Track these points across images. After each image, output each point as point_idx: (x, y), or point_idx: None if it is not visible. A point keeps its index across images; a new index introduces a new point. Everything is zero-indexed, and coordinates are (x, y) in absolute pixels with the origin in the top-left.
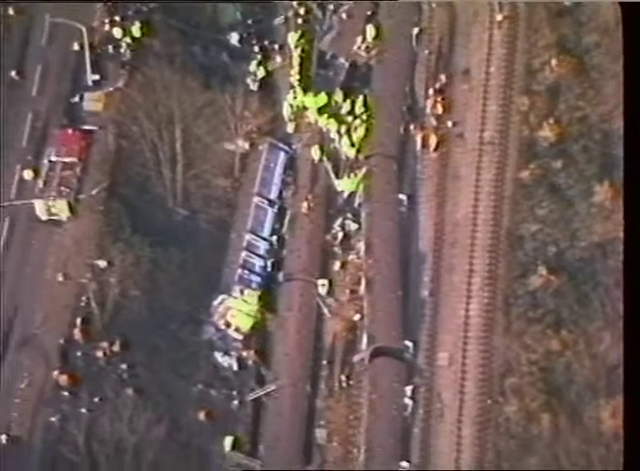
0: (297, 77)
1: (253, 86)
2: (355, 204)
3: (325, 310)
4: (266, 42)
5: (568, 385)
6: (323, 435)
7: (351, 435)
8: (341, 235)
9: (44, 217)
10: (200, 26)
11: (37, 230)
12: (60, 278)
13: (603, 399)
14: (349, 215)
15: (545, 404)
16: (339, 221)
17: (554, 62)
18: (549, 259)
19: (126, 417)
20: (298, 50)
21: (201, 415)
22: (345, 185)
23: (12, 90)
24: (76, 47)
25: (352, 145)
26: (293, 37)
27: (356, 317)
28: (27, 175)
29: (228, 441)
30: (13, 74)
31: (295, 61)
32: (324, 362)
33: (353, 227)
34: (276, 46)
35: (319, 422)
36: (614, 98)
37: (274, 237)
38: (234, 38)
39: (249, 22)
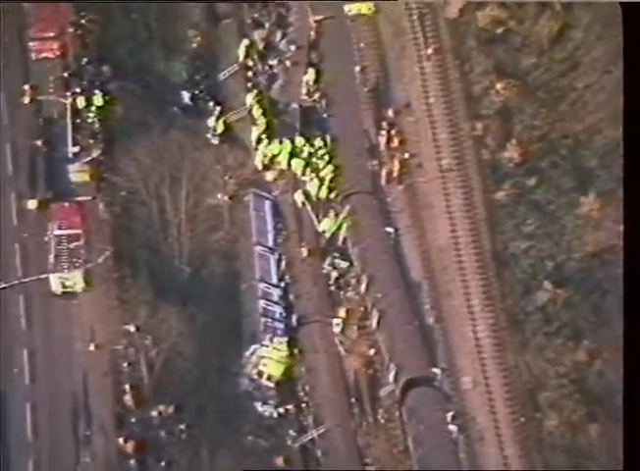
0: (264, 127)
1: (214, 141)
2: (339, 243)
3: (340, 349)
4: (218, 97)
5: (607, 392)
6: None
7: (401, 469)
8: (334, 274)
9: (59, 291)
10: (152, 86)
11: (54, 304)
12: (92, 348)
13: None
14: (337, 254)
15: (588, 414)
16: (327, 261)
17: (499, 86)
18: (550, 274)
19: None
20: (255, 102)
21: (280, 461)
22: (326, 226)
23: None
24: (40, 123)
25: (321, 186)
26: (248, 90)
27: (371, 352)
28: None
29: None
30: None
31: (257, 112)
32: (352, 400)
33: (344, 264)
34: (228, 101)
35: (365, 460)
36: (572, 113)
37: (282, 284)
38: (185, 97)
39: (197, 78)
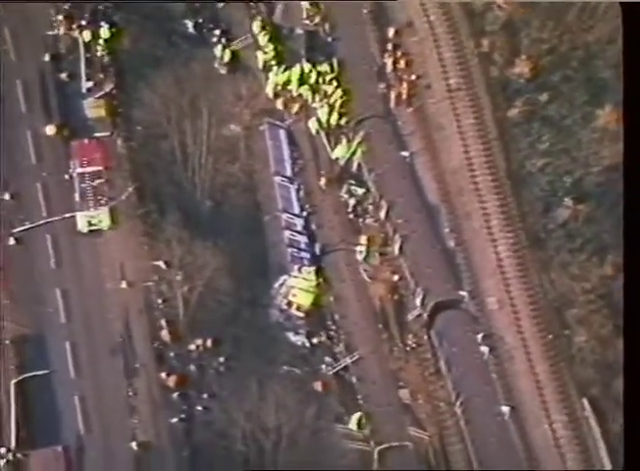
0: (272, 54)
1: (222, 70)
2: (354, 169)
3: (364, 276)
4: (221, 25)
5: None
6: (407, 395)
7: (433, 390)
8: (352, 201)
9: (85, 229)
10: (154, 16)
11: (81, 243)
12: (123, 285)
13: None
14: (352, 181)
15: (616, 328)
16: (344, 189)
17: (501, 0)
18: (569, 190)
19: (250, 408)
20: (260, 29)
21: (318, 386)
22: (339, 152)
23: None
24: (46, 58)
25: (331, 112)
26: (251, 17)
27: (395, 278)
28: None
29: (354, 419)
30: None
31: (264, 39)
32: (379, 326)
33: (361, 191)
34: (231, 29)
35: (399, 383)
36: (579, 24)
37: (304, 213)
38: (189, 26)
39: (197, 6)
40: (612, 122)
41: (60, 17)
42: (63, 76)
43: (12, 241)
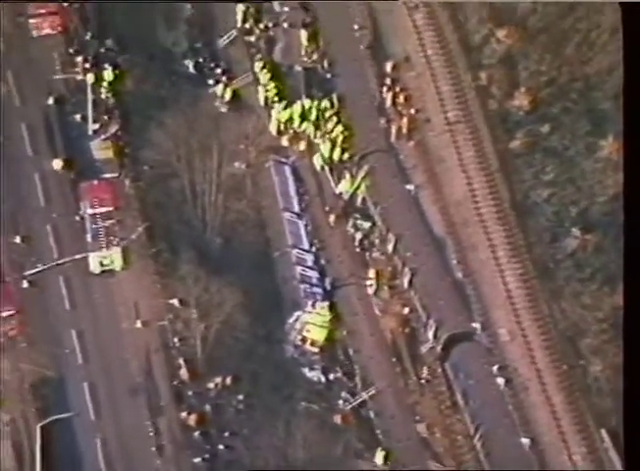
0: (274, 91)
1: (223, 109)
2: (359, 204)
3: (376, 309)
4: (221, 65)
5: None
6: (424, 429)
7: (450, 424)
8: (358, 235)
9: (97, 270)
10: (156, 57)
11: (94, 284)
12: (138, 325)
13: None
14: (357, 215)
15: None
16: (350, 223)
17: (500, 34)
18: (575, 220)
19: (266, 445)
20: (261, 67)
21: (338, 419)
22: (343, 187)
23: (6, 153)
24: (50, 102)
25: (333, 148)
26: (251, 55)
27: (405, 311)
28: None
29: (379, 456)
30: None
31: (265, 77)
32: (393, 360)
33: (366, 225)
34: (231, 67)
35: (415, 418)
36: (578, 56)
37: (313, 249)
38: (190, 66)
39: (198, 46)
40: (614, 152)
41: (61, 60)
42: (69, 118)
43: (25, 284)
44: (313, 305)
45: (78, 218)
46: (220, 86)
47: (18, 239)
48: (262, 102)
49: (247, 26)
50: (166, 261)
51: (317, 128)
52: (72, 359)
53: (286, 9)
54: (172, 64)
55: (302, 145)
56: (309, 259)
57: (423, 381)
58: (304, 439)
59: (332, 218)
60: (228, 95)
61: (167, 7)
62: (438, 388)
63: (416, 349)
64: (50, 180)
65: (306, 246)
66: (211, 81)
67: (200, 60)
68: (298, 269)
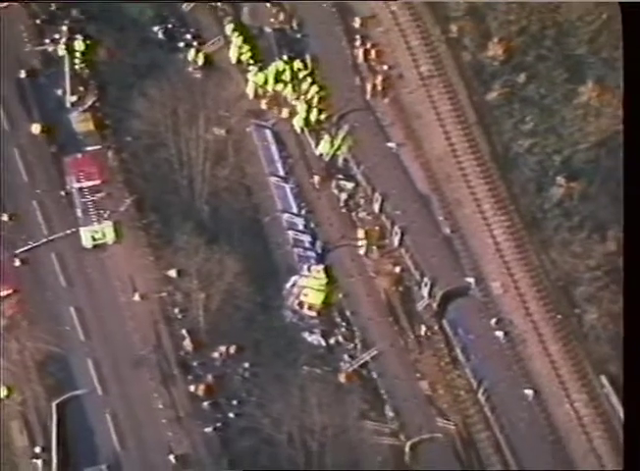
0: (249, 54)
1: (197, 74)
2: (340, 164)
3: (368, 270)
4: (190, 30)
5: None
6: (426, 386)
7: (451, 380)
8: (343, 196)
9: (90, 245)
10: (124, 27)
11: (87, 259)
12: (137, 298)
13: None
14: (340, 176)
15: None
16: (332, 184)
17: None
18: (559, 168)
19: (279, 410)
20: (234, 29)
21: (342, 378)
22: (323, 149)
23: None
24: (22, 75)
25: (310, 109)
26: (220, 19)
27: (397, 270)
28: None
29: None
30: None
31: (238, 40)
32: (390, 319)
33: (350, 185)
34: (202, 32)
35: (416, 375)
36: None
37: (302, 212)
38: (159, 33)
39: (164, 13)
40: (593, 97)
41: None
42: (44, 91)
43: (18, 263)
44: (309, 269)
45: (63, 193)
46: (192, 51)
47: (5, 217)
48: (235, 64)
49: None
50: (158, 232)
51: (294, 89)
52: (74, 336)
53: None
54: (141, 32)
55: (281, 108)
56: (300, 223)
57: (422, 338)
58: (316, 402)
59: (316, 180)
60: (200, 60)
61: None
62: (437, 344)
63: (412, 307)
64: (31, 154)
65: (295, 210)
66: (182, 45)
67: (169, 26)
68: (290, 233)
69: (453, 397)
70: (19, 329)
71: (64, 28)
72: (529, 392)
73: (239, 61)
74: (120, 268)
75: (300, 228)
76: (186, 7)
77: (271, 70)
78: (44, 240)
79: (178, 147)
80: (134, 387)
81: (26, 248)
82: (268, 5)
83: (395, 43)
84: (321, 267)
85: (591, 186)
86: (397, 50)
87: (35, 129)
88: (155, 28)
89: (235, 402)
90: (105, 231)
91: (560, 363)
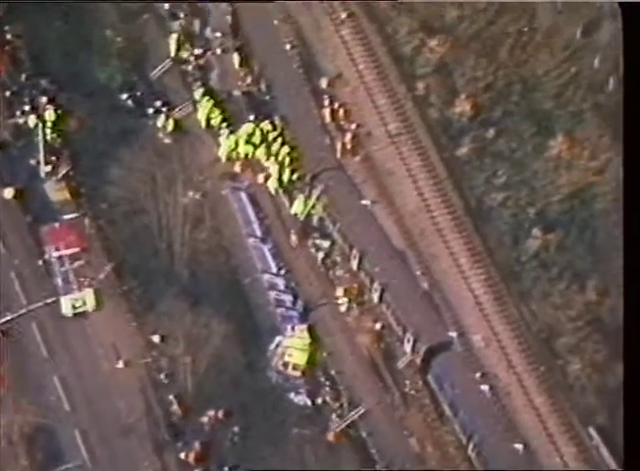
0: (220, 118)
1: (167, 140)
2: (315, 223)
3: (350, 327)
4: (160, 95)
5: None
6: (414, 443)
7: (440, 437)
8: (320, 255)
9: (70, 313)
10: (93, 94)
11: (68, 327)
12: (121, 365)
13: None
14: (316, 235)
15: (611, 352)
16: (309, 243)
17: (432, 43)
18: (534, 221)
19: None
20: (204, 94)
21: (331, 437)
22: (297, 209)
23: None
24: None
25: (282, 169)
26: (189, 84)
27: (378, 326)
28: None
29: None
30: None
31: (208, 105)
32: (374, 377)
33: (326, 244)
34: (171, 98)
35: (404, 433)
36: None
37: (282, 272)
38: (128, 101)
39: (133, 80)
40: (564, 150)
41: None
42: (17, 163)
43: None
44: (292, 328)
45: (41, 262)
46: (161, 118)
47: None
48: (205, 129)
49: (181, 54)
50: (139, 298)
51: (265, 151)
52: (59, 407)
53: (217, 34)
54: (111, 99)
55: (255, 170)
56: (280, 283)
57: (407, 395)
58: (305, 463)
59: (293, 239)
60: (170, 126)
61: (99, 42)
62: (422, 400)
63: (395, 364)
64: (6, 225)
65: (274, 270)
66: (151, 112)
67: (138, 93)
68: (272, 294)
69: (442, 455)
70: (4, 402)
71: (34, 99)
72: (519, 446)
73: (208, 125)
74: (102, 335)
75: (281, 288)
76: (155, 73)
77: (241, 133)
78: (24, 311)
79: (157, 212)
80: (124, 456)
81: (4, 320)
82: (236, 67)
83: (362, 102)
84: (304, 326)
85: (567, 237)
86: (364, 109)
87: (8, 193)
88: (123, 96)
89: (226, 469)
90: (86, 298)
91: (546, 416)
